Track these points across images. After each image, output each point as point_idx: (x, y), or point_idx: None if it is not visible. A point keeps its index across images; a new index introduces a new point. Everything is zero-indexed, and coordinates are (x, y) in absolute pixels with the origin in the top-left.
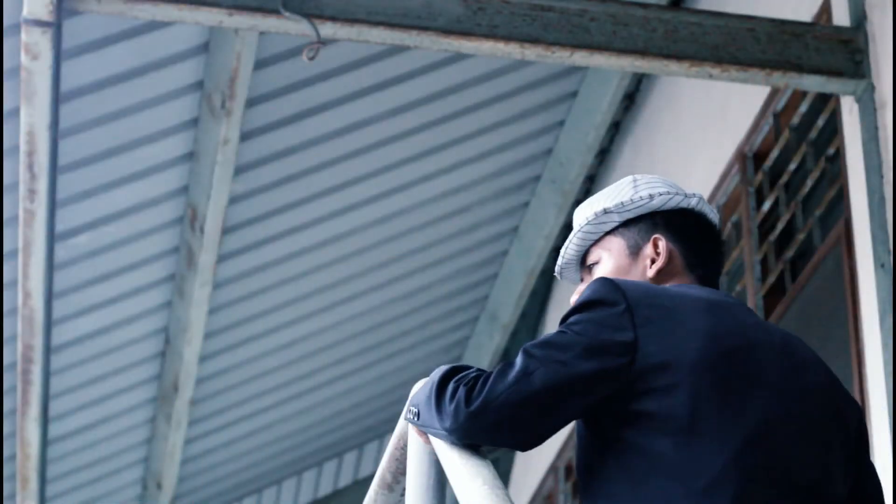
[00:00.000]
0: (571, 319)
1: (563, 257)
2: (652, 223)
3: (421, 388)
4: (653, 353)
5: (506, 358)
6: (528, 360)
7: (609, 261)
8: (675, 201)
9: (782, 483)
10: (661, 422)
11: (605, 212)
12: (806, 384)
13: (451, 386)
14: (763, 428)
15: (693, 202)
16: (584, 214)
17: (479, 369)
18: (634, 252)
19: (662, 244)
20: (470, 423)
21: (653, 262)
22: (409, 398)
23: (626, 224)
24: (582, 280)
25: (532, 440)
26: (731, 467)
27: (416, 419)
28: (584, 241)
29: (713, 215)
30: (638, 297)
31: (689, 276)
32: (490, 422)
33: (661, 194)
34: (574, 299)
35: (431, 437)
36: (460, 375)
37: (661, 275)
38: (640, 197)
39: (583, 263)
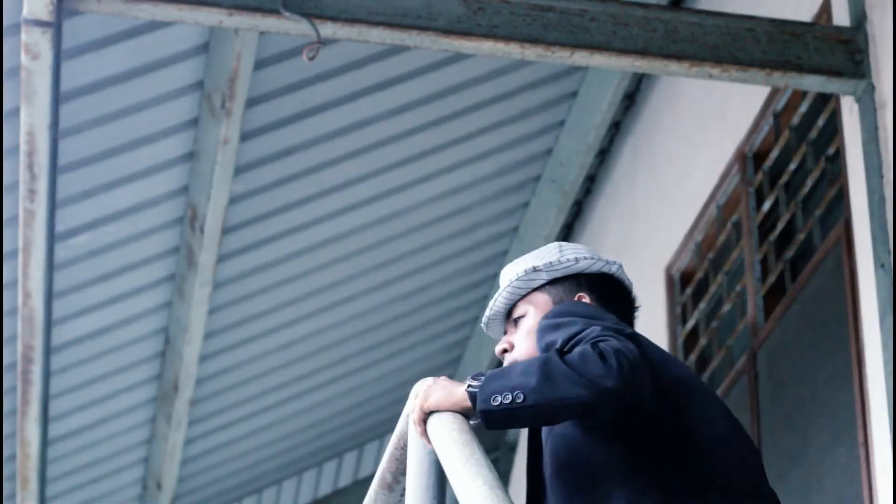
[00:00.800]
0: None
1: (491, 309)
2: (576, 283)
3: (510, 373)
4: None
5: None
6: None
7: (535, 315)
8: (598, 266)
9: None
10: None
11: (535, 270)
12: None
13: (584, 350)
14: None
15: (614, 269)
16: (513, 271)
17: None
18: None
19: (586, 300)
20: (634, 375)
21: None
22: (482, 388)
23: (552, 282)
24: (506, 332)
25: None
26: None
27: (523, 401)
28: (512, 296)
29: (629, 283)
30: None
31: None
32: (641, 374)
33: (585, 258)
34: (499, 349)
35: (433, 438)
36: (575, 342)
37: None
38: (567, 259)
39: (508, 316)
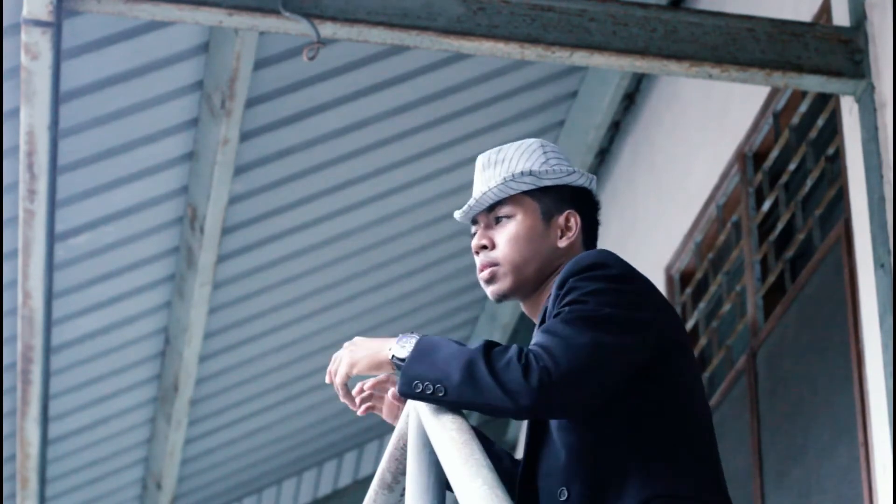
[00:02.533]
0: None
1: (477, 201)
2: (563, 195)
3: (435, 358)
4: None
5: None
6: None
7: (524, 221)
8: (583, 180)
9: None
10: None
11: (531, 174)
12: None
13: (511, 360)
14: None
15: (592, 183)
16: (501, 171)
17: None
18: (547, 219)
19: (575, 220)
20: (549, 397)
21: (562, 233)
22: (404, 371)
23: (542, 189)
24: (478, 223)
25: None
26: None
27: (444, 395)
28: (502, 193)
29: (598, 198)
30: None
31: (587, 250)
32: (563, 394)
33: (573, 171)
34: (477, 244)
35: (433, 438)
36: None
37: (567, 247)
38: (560, 169)
39: (490, 210)
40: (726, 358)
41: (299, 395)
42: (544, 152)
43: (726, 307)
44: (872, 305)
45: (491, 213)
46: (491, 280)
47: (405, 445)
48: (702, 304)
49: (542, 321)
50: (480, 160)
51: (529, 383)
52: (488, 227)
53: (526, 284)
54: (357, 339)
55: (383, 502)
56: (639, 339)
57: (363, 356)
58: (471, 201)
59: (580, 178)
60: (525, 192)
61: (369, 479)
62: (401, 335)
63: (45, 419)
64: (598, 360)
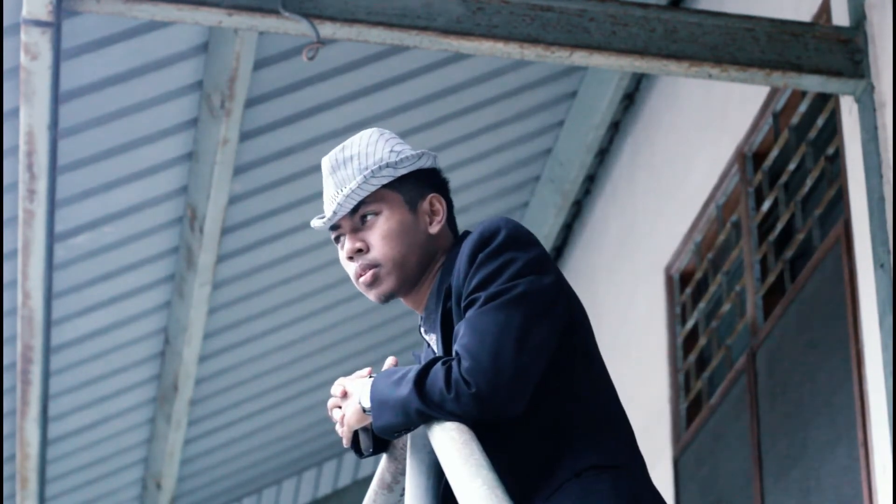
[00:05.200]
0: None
1: (340, 206)
2: (419, 181)
3: (397, 410)
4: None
5: None
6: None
7: (392, 215)
8: (431, 161)
9: None
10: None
11: (387, 166)
12: None
13: (436, 377)
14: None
15: (436, 161)
16: (354, 168)
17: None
18: (413, 208)
19: (440, 203)
20: (472, 406)
21: (430, 219)
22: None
23: (399, 179)
24: (341, 227)
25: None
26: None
27: (416, 424)
28: (363, 192)
29: (445, 176)
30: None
31: (450, 232)
32: (486, 403)
33: (423, 154)
34: (350, 249)
35: (434, 441)
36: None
37: (439, 231)
38: (412, 156)
39: (353, 213)
40: (726, 358)
41: (299, 395)
42: (387, 140)
43: (726, 307)
44: (872, 305)
45: (355, 215)
46: (374, 283)
47: (405, 445)
48: (702, 304)
49: (446, 299)
50: (327, 162)
51: (463, 405)
52: (355, 230)
53: (409, 279)
54: (347, 384)
55: (383, 502)
56: (555, 312)
57: (353, 418)
58: (334, 207)
59: (428, 160)
60: (385, 186)
61: (369, 479)
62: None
63: (44, 419)
64: (522, 349)
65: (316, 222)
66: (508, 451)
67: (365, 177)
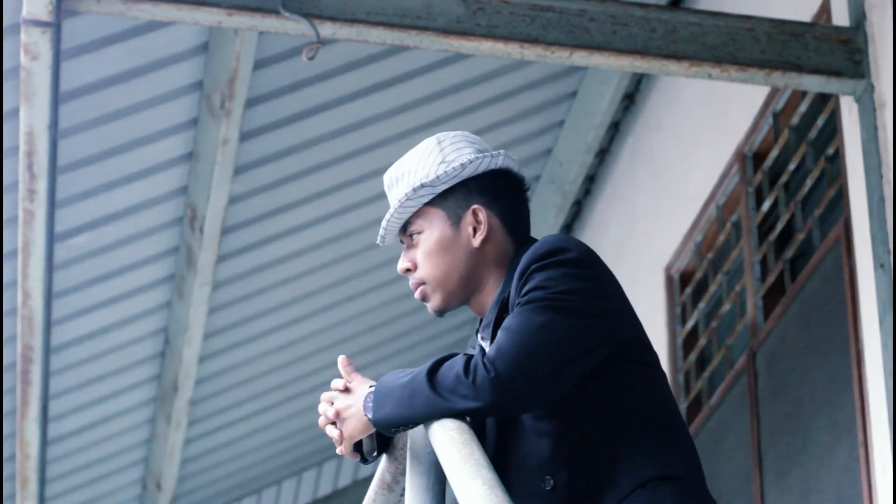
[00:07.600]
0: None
1: (385, 230)
2: (466, 191)
3: (399, 401)
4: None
5: None
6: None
7: (432, 233)
8: (485, 164)
9: None
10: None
11: (423, 187)
12: None
13: (459, 372)
14: None
15: (500, 161)
16: (402, 186)
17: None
18: (455, 222)
19: (483, 215)
20: (495, 395)
21: (475, 230)
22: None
23: (442, 194)
24: (403, 243)
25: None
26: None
27: (419, 419)
28: (403, 215)
29: (517, 167)
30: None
31: (510, 238)
32: (510, 391)
33: (471, 161)
34: (402, 268)
35: (434, 441)
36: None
37: (485, 243)
38: (454, 168)
39: (403, 229)
40: (726, 358)
41: (299, 395)
42: (442, 150)
43: (726, 307)
44: (872, 305)
45: (406, 232)
46: (424, 299)
47: (405, 445)
48: (701, 304)
49: (502, 311)
50: (385, 180)
51: (479, 389)
52: (409, 246)
53: (456, 295)
54: (340, 396)
55: (383, 502)
56: (597, 323)
57: (354, 427)
58: (381, 229)
59: (481, 164)
60: (428, 203)
61: (369, 479)
62: (367, 393)
63: (44, 419)
64: (549, 345)
65: (380, 240)
66: (572, 451)
67: (400, 201)
